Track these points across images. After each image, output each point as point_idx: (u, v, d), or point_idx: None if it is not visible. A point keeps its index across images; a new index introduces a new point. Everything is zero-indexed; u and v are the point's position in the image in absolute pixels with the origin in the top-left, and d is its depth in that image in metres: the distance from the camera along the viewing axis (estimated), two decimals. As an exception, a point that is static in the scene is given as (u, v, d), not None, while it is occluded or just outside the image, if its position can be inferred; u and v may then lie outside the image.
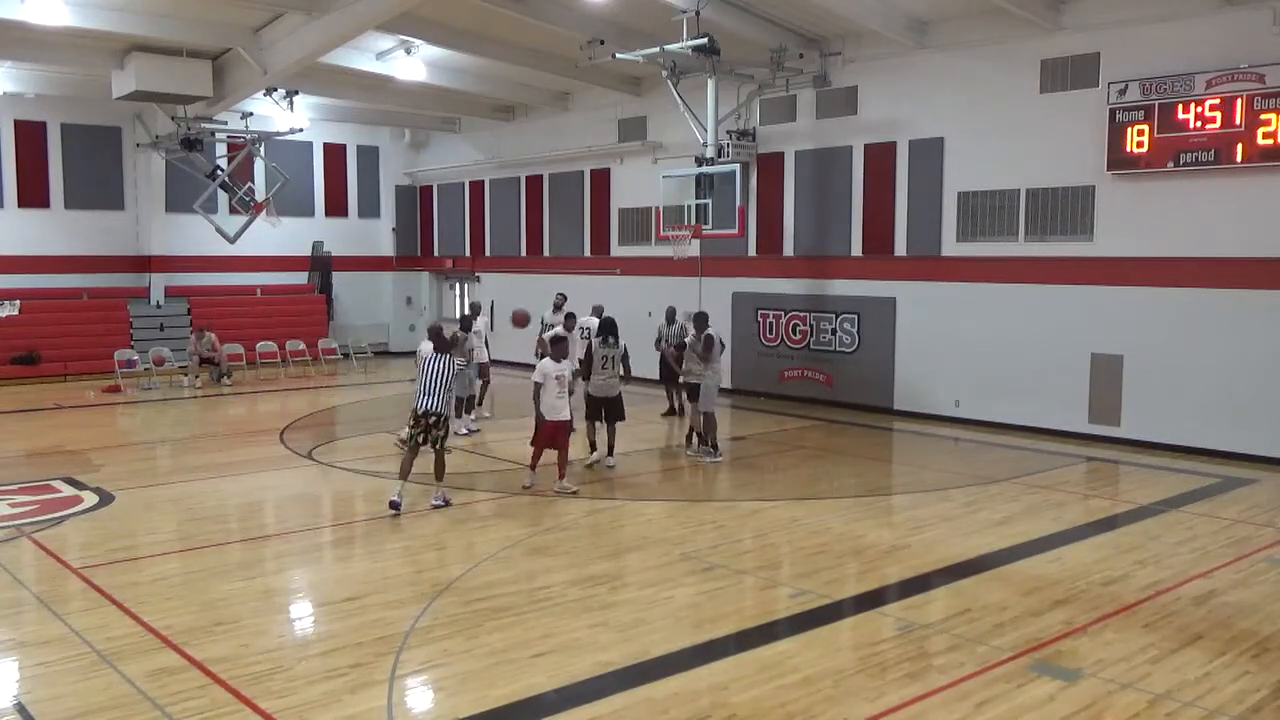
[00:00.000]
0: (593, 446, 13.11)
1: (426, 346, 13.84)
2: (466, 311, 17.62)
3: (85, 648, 6.83)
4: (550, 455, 11.63)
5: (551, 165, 23.31)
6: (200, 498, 11.39)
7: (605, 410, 12.87)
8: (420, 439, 10.61)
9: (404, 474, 10.67)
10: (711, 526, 10.21)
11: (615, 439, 12.99)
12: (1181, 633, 7.19)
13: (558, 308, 17.44)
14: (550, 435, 11.47)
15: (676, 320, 16.22)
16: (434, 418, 10.55)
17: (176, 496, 11.52)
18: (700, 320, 13.71)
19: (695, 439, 13.80)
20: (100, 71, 19.25)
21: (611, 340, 13.00)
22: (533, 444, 11.65)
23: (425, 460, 10.82)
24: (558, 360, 11.55)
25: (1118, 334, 14.34)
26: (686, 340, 13.94)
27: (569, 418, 11.60)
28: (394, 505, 10.47)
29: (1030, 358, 15.23)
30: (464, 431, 15.30)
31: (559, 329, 14.42)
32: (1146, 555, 9.15)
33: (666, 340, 16.11)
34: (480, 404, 16.68)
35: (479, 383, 16.11)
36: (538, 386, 11.44)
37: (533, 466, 11.67)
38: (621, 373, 13.13)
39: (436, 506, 10.69)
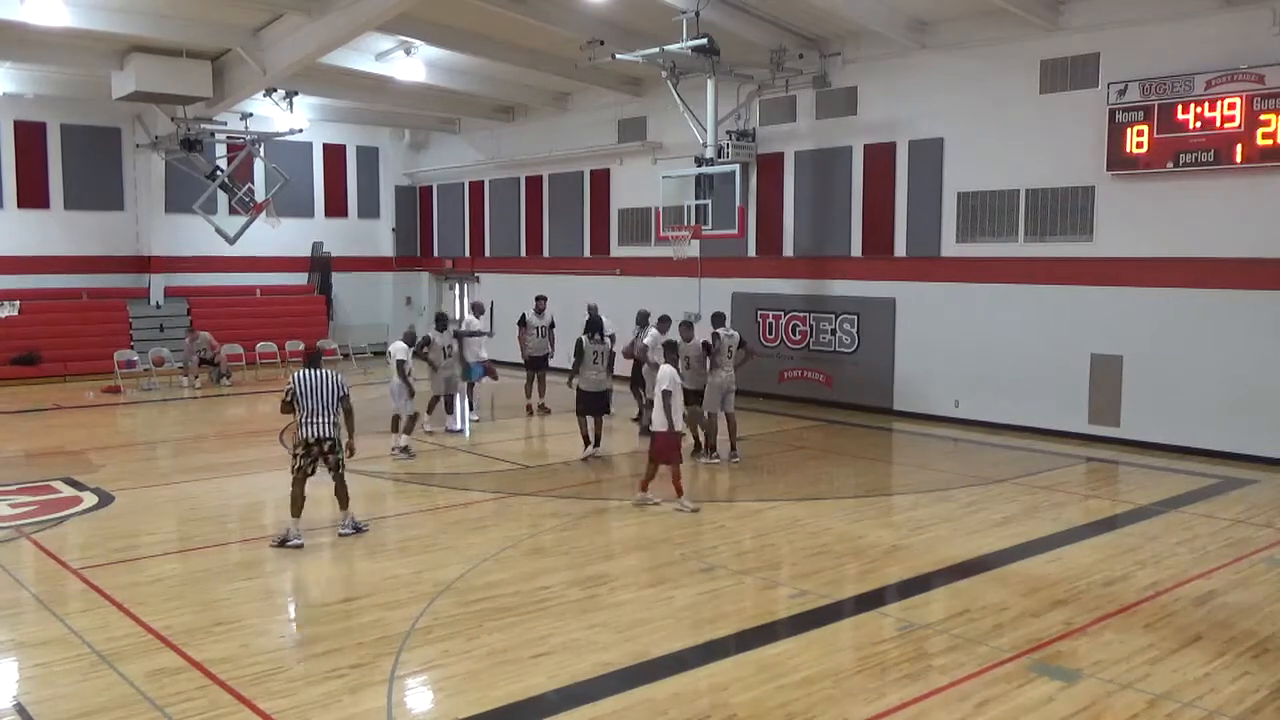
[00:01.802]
0: (586, 441, 13.50)
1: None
2: (469, 312, 17.68)
3: (85, 648, 6.83)
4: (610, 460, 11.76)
5: (551, 166, 23.30)
6: (200, 498, 11.38)
7: (599, 405, 13.47)
8: (312, 469, 9.51)
9: (296, 510, 9.48)
10: (711, 527, 10.21)
11: (602, 431, 13.70)
12: (1181, 633, 7.19)
13: (540, 311, 17.43)
14: (674, 447, 10.77)
15: (648, 325, 16.05)
16: (327, 443, 9.53)
17: (176, 497, 11.52)
18: (713, 320, 14.00)
19: (712, 444, 13.68)
20: (100, 72, 19.25)
21: (598, 336, 13.59)
22: (656, 461, 10.78)
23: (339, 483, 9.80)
24: (674, 366, 11.05)
25: (1118, 334, 14.34)
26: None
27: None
28: (294, 544, 9.37)
29: (1030, 358, 15.22)
30: (457, 428, 15.35)
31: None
32: (1146, 556, 9.14)
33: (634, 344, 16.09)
34: (473, 407, 16.76)
35: (461, 384, 16.09)
36: (668, 395, 10.58)
37: (645, 486, 10.89)
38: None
39: (344, 535, 9.69)
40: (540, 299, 17.65)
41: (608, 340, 13.92)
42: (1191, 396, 13.66)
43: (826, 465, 13.65)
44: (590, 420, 13.50)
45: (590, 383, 13.45)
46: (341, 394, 9.58)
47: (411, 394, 13.81)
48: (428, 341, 15.41)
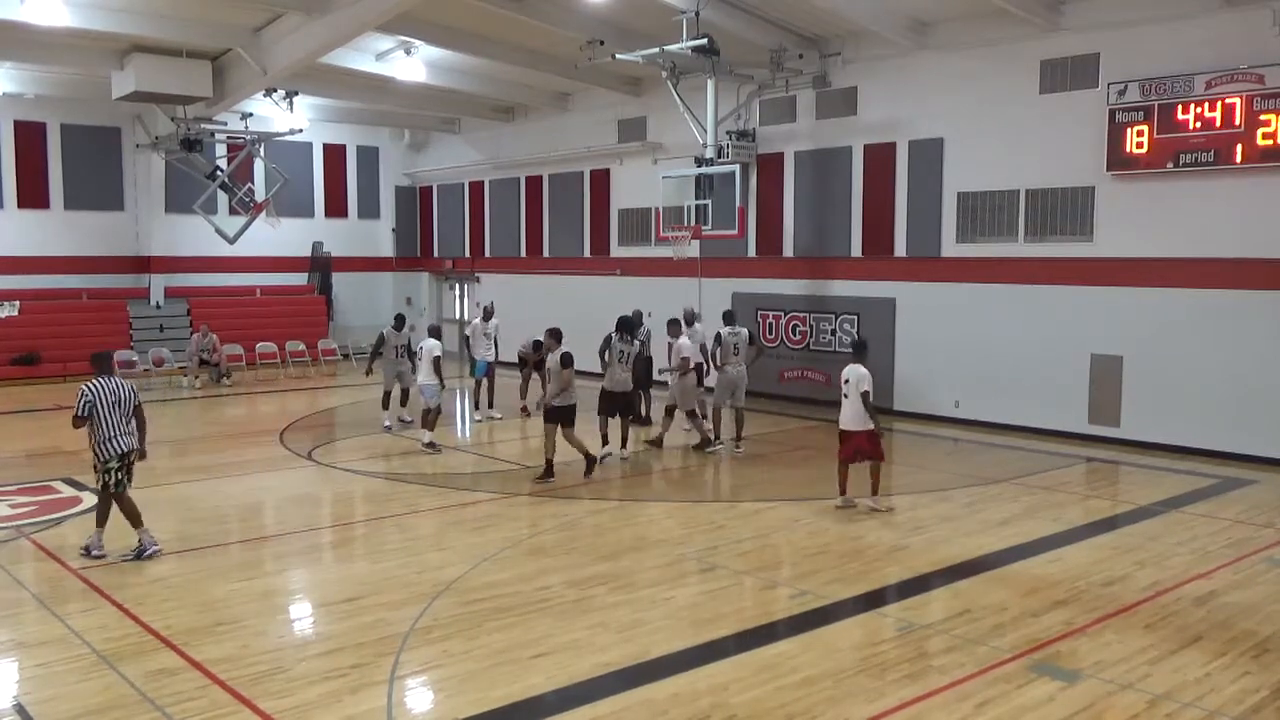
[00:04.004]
0: (605, 441, 13.32)
1: (432, 344, 14.04)
2: (479, 317, 17.61)
3: (85, 648, 6.83)
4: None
5: (551, 166, 23.30)
6: (200, 498, 11.38)
7: (621, 405, 13.33)
8: (119, 483, 8.91)
9: (102, 521, 8.98)
10: (711, 527, 10.21)
11: (628, 432, 13.53)
12: (1181, 633, 7.19)
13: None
14: (873, 444, 10.62)
15: (644, 324, 16.20)
16: (133, 455, 9.00)
17: (176, 497, 11.51)
18: (688, 317, 14.81)
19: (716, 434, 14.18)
20: (100, 72, 19.24)
21: (628, 337, 13.38)
22: (848, 460, 10.67)
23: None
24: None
25: (1118, 334, 14.33)
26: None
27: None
28: (94, 554, 8.88)
29: (1030, 358, 15.22)
30: (406, 421, 15.52)
31: (683, 337, 14.52)
32: (1146, 556, 9.14)
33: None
34: (492, 405, 16.77)
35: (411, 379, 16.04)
36: (867, 395, 10.44)
37: (844, 489, 10.77)
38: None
39: (142, 555, 8.86)
40: (554, 333, 17.39)
41: (637, 343, 13.72)
42: (1191, 396, 13.66)
43: (827, 465, 13.60)
44: (611, 420, 13.31)
45: (614, 382, 13.23)
46: (136, 402, 9.02)
47: (442, 387, 14.11)
48: (382, 340, 15.79)
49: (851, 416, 10.57)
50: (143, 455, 9.18)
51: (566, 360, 12.16)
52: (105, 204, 23.82)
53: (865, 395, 10.41)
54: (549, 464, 12.06)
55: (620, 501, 11.39)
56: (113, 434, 8.81)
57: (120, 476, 8.91)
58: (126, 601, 7.75)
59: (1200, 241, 13.53)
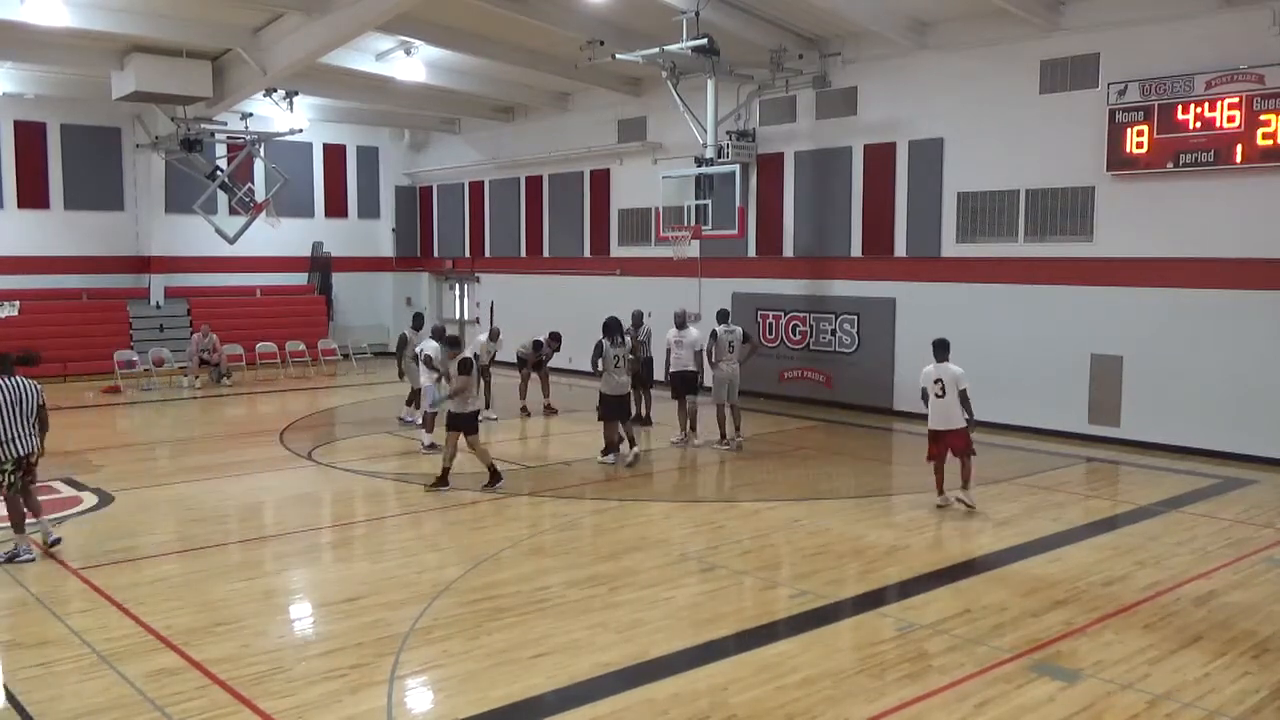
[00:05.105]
0: (610, 447, 13.25)
1: (431, 345, 14.07)
2: (490, 334, 17.71)
3: (85, 648, 6.83)
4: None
5: (551, 166, 23.29)
6: (200, 498, 11.38)
7: (621, 409, 13.30)
8: (21, 484, 8.85)
9: (19, 524, 8.85)
10: (711, 527, 10.21)
11: (631, 433, 13.46)
12: (1181, 633, 7.19)
13: (549, 346, 17.41)
14: (967, 441, 10.67)
15: (644, 324, 16.31)
16: (34, 456, 8.91)
17: (176, 497, 11.52)
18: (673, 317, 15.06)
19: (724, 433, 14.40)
20: (100, 72, 19.25)
21: (618, 339, 13.30)
22: (939, 458, 10.76)
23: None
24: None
25: (1118, 334, 14.33)
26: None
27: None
28: (25, 559, 8.78)
29: (1030, 358, 15.22)
30: (418, 423, 15.53)
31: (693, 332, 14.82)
32: (1146, 556, 9.14)
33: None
34: (489, 405, 16.80)
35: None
36: (966, 392, 10.49)
37: (941, 487, 10.82)
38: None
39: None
40: (555, 337, 17.51)
41: (628, 341, 13.66)
42: (1191, 396, 13.66)
43: (826, 465, 13.65)
44: (615, 425, 13.22)
45: (611, 386, 13.11)
46: (40, 402, 8.95)
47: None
48: (405, 341, 15.94)
49: (944, 416, 10.62)
50: (40, 453, 9.04)
51: (464, 366, 11.60)
52: (105, 204, 23.81)
53: (964, 392, 10.52)
54: (445, 472, 11.58)
55: (620, 501, 11.39)
56: (10, 436, 8.72)
57: (14, 479, 8.79)
58: (126, 601, 7.75)
59: (1200, 241, 13.53)
